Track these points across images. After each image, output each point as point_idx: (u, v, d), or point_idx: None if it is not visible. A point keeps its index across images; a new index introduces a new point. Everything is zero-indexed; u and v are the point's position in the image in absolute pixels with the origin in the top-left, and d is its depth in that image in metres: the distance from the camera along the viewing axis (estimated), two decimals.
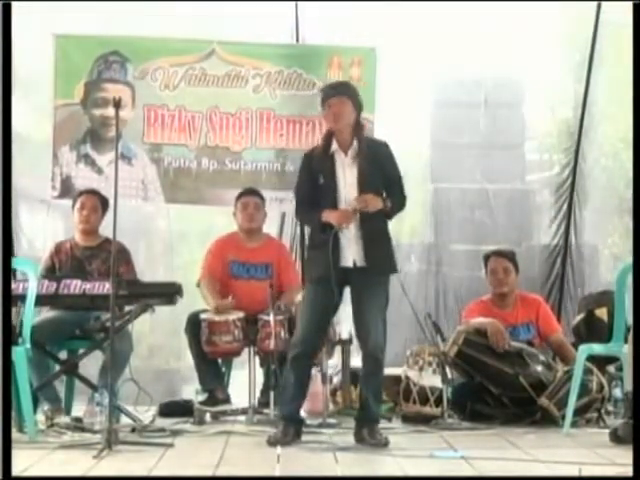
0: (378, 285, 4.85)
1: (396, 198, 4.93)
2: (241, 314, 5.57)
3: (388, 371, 5.94)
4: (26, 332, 5.00)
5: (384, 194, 4.89)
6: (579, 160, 6.93)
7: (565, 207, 6.97)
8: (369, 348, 4.82)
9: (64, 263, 5.87)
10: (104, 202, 5.89)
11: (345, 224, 4.78)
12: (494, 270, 5.95)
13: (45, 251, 6.13)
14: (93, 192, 6.00)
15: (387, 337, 4.83)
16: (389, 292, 4.90)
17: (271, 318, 5.39)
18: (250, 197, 6.06)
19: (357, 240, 4.83)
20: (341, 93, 4.92)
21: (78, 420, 5.15)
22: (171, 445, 4.66)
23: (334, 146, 4.89)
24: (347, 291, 4.94)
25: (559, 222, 6.99)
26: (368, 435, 4.78)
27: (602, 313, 5.90)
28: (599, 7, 6.74)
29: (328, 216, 4.80)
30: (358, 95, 4.95)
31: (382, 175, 4.88)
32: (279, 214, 6.69)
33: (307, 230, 5.95)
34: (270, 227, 6.51)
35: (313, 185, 4.87)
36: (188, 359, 5.92)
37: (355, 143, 4.87)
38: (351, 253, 4.83)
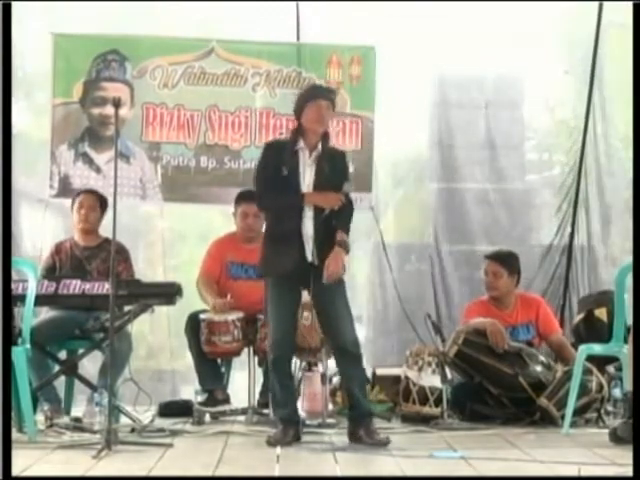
0: (340, 282, 4.84)
1: (343, 220, 4.89)
2: (240, 314, 5.56)
3: (387, 371, 5.98)
4: (26, 332, 5.00)
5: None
6: (578, 160, 6.94)
7: (565, 207, 6.96)
8: (340, 344, 4.83)
9: (64, 263, 5.86)
10: (103, 201, 5.88)
11: (336, 206, 4.79)
12: (485, 273, 5.96)
13: (43, 250, 6.13)
14: (91, 191, 6.00)
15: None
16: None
17: None
18: (250, 206, 5.82)
19: (310, 240, 4.81)
20: (331, 99, 4.95)
21: (78, 420, 5.15)
22: (170, 445, 4.65)
23: (300, 143, 4.90)
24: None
25: (559, 222, 6.97)
26: (365, 435, 4.76)
27: (602, 313, 5.90)
28: (600, 7, 6.73)
29: (316, 198, 4.81)
30: None
31: (335, 182, 4.89)
32: None
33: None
34: None
35: (277, 174, 4.85)
36: (188, 359, 5.90)
37: (319, 147, 4.90)
38: (309, 250, 4.82)
